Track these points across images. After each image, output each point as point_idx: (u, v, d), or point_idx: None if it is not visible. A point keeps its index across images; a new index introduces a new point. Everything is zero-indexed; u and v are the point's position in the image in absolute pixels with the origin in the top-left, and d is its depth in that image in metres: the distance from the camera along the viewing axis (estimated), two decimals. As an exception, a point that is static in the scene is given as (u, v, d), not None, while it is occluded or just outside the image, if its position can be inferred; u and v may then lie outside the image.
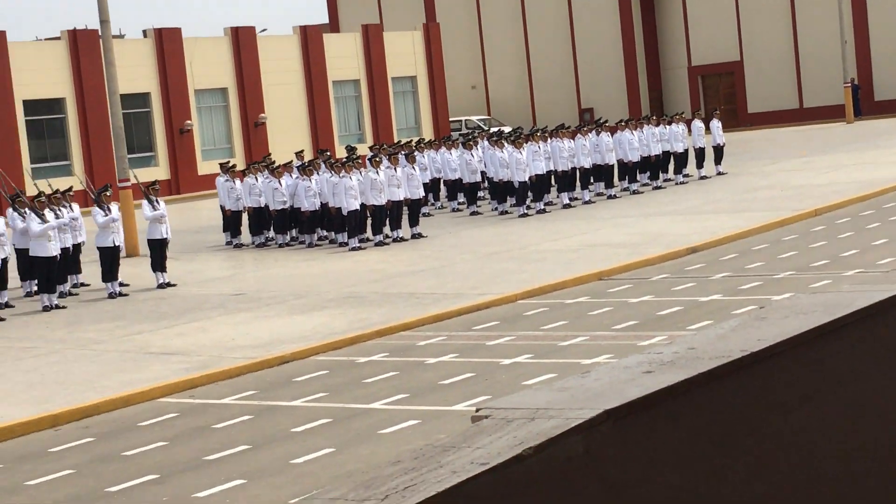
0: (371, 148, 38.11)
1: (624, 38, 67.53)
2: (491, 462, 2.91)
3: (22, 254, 24.78)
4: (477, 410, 3.40)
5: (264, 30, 58.55)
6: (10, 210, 25.24)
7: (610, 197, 35.65)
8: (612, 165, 36.32)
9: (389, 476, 2.86)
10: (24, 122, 47.21)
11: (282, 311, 21.35)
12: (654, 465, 3.36)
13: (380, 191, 29.24)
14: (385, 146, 37.12)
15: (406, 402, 14.79)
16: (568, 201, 34.54)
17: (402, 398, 15.01)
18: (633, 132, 37.06)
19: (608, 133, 36.55)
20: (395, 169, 30.26)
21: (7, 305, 23.83)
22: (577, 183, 35.60)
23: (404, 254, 27.71)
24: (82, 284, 26.00)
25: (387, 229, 29.79)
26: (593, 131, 36.31)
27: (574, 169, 35.17)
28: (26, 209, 24.27)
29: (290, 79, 55.95)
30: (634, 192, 36.45)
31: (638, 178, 37.24)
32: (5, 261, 23.68)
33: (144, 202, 25.48)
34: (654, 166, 37.77)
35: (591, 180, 36.21)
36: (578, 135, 35.87)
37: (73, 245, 25.26)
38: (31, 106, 47.62)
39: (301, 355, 17.91)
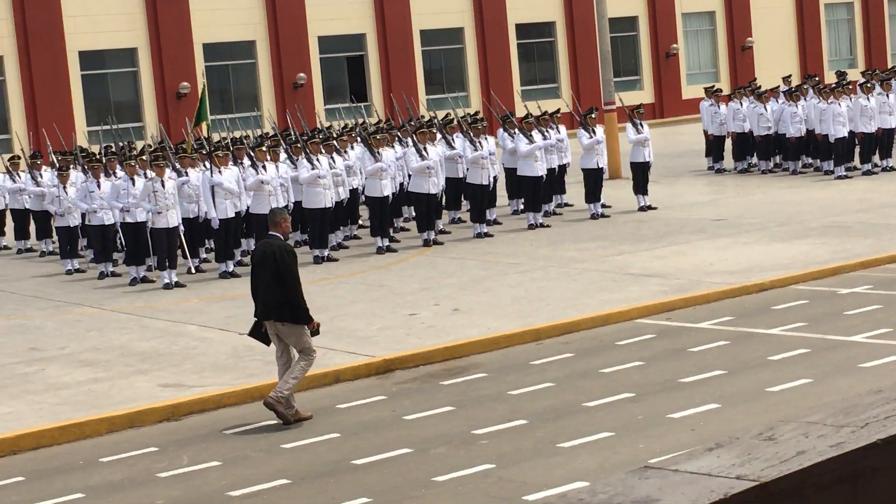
0: (863, 73, 36.75)
1: None
2: (980, 398, 2.81)
3: (510, 173, 25.69)
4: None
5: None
6: (500, 130, 26.19)
7: None
8: None
9: (870, 405, 2.83)
10: (515, 45, 48.66)
11: (762, 238, 21.10)
12: None
13: (870, 118, 28.21)
14: (877, 72, 35.67)
15: (890, 337, 14.32)
16: None
17: (885, 332, 14.54)
18: None
19: None
20: (887, 95, 29.07)
21: (495, 222, 24.81)
22: None
23: (893, 184, 26.65)
24: (566, 204, 26.68)
25: (875, 158, 28.72)
26: None
27: None
28: (515, 130, 25.11)
29: (779, 2, 54.65)
30: None
31: None
32: (495, 179, 24.62)
33: (628, 125, 25.77)
34: None
35: None
36: None
37: (559, 166, 25.92)
38: (523, 29, 48.97)
39: (780, 283, 17.67)
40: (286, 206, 22.21)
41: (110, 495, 10.93)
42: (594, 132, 25.21)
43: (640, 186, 25.57)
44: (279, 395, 12.54)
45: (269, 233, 13.14)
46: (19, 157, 27.37)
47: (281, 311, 12.64)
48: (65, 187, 23.27)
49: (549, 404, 12.70)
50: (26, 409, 13.59)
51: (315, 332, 12.78)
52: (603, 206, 25.32)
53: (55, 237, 24.81)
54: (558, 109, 27.15)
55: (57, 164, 24.79)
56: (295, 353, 12.85)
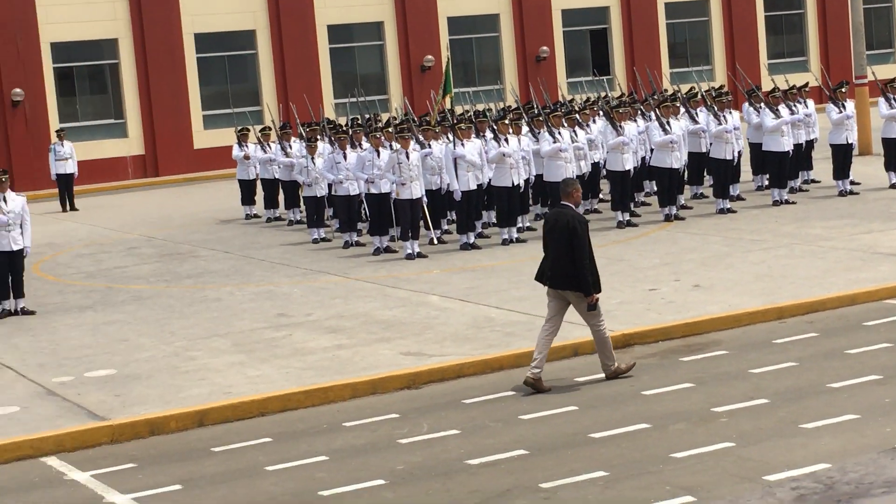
0: None
1: None
2: None
3: (755, 148, 25.20)
4: None
5: None
6: (745, 105, 25.71)
7: None
8: None
9: None
10: (763, 17, 47.61)
11: None
12: None
13: None
14: None
15: None
16: None
17: None
18: None
19: None
20: None
21: (739, 198, 24.37)
22: None
23: None
24: (813, 181, 26.03)
25: None
26: None
27: None
28: (761, 104, 24.60)
29: None
30: None
31: None
32: (739, 154, 24.17)
33: (881, 100, 24.94)
34: None
35: None
36: None
37: (806, 141, 25.31)
38: (771, 1, 47.89)
39: None
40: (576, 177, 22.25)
41: (353, 459, 11.20)
42: (844, 107, 24.50)
43: (892, 163, 24.75)
44: (608, 365, 13.14)
45: (561, 202, 13.28)
46: (270, 129, 28.19)
47: (571, 280, 12.88)
48: (313, 158, 23.87)
49: (791, 384, 12.46)
50: (274, 372, 14.04)
51: (592, 307, 12.88)
52: (852, 182, 24.62)
53: (303, 206, 25.48)
54: (806, 83, 26.48)
55: (305, 136, 25.44)
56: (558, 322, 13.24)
